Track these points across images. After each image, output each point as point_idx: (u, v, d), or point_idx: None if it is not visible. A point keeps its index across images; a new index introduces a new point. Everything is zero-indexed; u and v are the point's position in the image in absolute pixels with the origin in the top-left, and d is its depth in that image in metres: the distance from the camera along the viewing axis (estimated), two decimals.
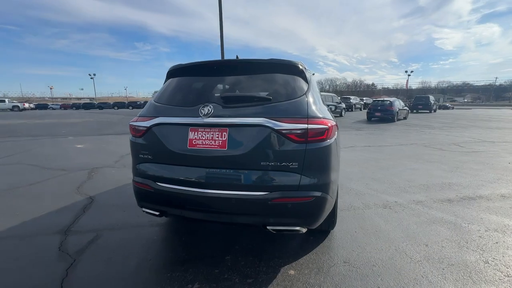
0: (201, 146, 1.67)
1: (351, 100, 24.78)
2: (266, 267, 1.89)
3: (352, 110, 24.61)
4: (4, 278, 1.79)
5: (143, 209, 1.94)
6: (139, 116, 1.94)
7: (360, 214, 2.79)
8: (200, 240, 2.29)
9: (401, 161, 5.23)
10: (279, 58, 1.89)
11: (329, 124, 1.70)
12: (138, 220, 2.65)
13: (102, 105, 50.09)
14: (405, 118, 16.49)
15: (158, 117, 1.80)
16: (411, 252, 2.08)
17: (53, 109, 50.77)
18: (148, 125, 1.80)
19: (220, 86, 1.87)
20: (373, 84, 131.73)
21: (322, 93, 16.53)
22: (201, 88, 1.89)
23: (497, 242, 2.22)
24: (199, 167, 1.69)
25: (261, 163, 1.60)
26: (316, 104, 1.79)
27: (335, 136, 1.83)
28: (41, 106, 52.27)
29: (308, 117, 1.64)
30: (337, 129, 2.19)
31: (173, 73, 2.03)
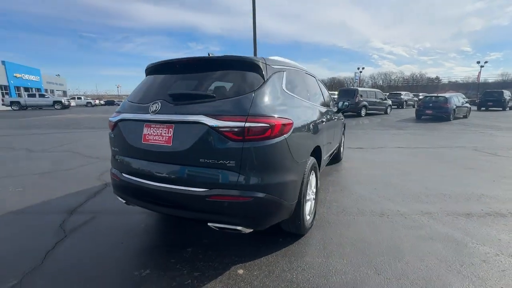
0: (152, 141, 1.76)
1: (401, 96, 22.37)
2: (218, 263, 1.91)
3: (402, 107, 22.25)
4: (2, 244, 2.19)
5: (117, 196, 2.14)
6: (115, 112, 2.13)
7: (348, 220, 2.57)
8: (179, 230, 2.41)
9: (432, 166, 4.58)
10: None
11: (274, 123, 1.61)
12: (133, 207, 2.91)
13: None
14: (465, 116, 14.22)
15: (122, 113, 1.96)
16: (383, 268, 1.84)
17: (118, 105, 57.91)
18: (115, 120, 1.98)
19: (175, 84, 1.92)
20: (437, 78, 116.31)
21: (364, 88, 15.27)
22: (158, 85, 1.97)
23: (503, 270, 1.82)
24: (150, 161, 1.78)
25: (200, 160, 1.61)
26: (268, 101, 1.71)
27: (288, 135, 1.72)
28: (109, 102, 60.12)
29: (248, 115, 1.58)
30: (311, 127, 2.06)
31: (146, 71, 2.17)
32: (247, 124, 1.55)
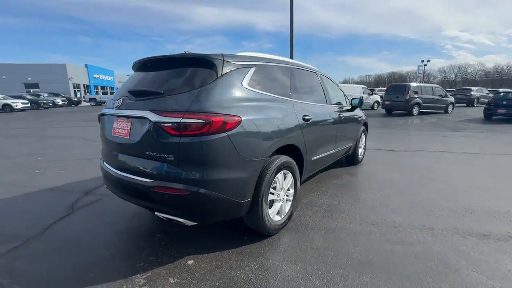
0: (117, 134, 1.94)
1: (471, 93, 18.98)
2: (176, 252, 2.01)
3: (472, 105, 18.93)
4: (19, 214, 2.68)
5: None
6: None
7: (330, 227, 2.39)
8: (161, 218, 2.61)
9: (473, 175, 3.86)
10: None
11: (212, 119, 1.61)
12: None
13: None
14: None
15: (104, 108, 2.20)
16: (335, 281, 1.68)
17: None
18: (99, 114, 2.24)
19: (139, 81, 2.05)
20: None
21: (417, 84, 13.47)
22: (128, 82, 2.14)
23: None
24: (116, 152, 1.97)
25: (147, 152, 1.72)
26: (213, 97, 1.71)
27: (232, 132, 1.69)
28: None
29: (186, 111, 1.62)
30: (277, 125, 2.00)
31: (132, 69, 2.38)
32: (183, 120, 1.59)
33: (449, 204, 2.82)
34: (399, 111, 13.94)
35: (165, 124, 1.62)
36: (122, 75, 53.99)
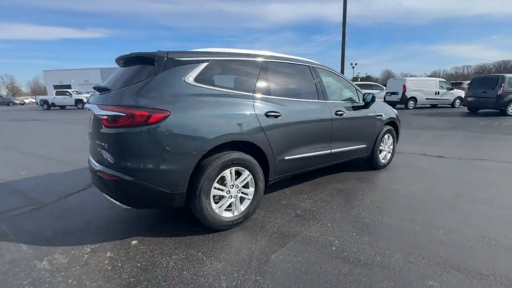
0: (90, 126, 2.28)
1: None
2: (131, 232, 2.24)
3: None
4: (43, 186, 3.40)
5: None
6: None
7: (283, 231, 2.22)
8: None
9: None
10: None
11: (134, 113, 1.73)
12: None
13: None
14: None
15: None
16: (221, 285, 1.59)
17: None
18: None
19: (109, 78, 2.29)
20: None
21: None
22: (103, 80, 2.45)
23: None
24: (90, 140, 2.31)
25: (96, 141, 1.97)
26: (142, 92, 1.83)
27: (157, 125, 1.77)
28: None
29: (118, 105, 1.78)
30: (219, 120, 2.01)
31: None
32: (113, 113, 1.76)
33: (466, 231, 2.19)
34: (487, 110, 11.16)
35: (101, 117, 1.83)
36: None
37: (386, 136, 3.86)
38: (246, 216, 2.33)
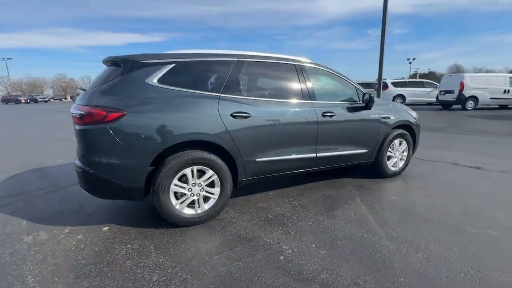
0: None
1: None
2: (107, 219, 2.48)
3: None
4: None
5: None
6: None
7: (242, 234, 2.18)
8: None
9: None
10: None
11: (92, 111, 1.91)
12: None
13: None
14: None
15: None
16: (149, 278, 1.63)
17: None
18: None
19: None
20: None
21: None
22: None
23: None
24: None
25: (75, 137, 2.23)
26: (103, 93, 2.02)
27: (114, 124, 1.92)
28: None
29: (84, 104, 1.97)
30: (178, 120, 2.10)
31: None
32: (79, 112, 1.97)
33: (461, 278, 1.83)
34: None
35: (73, 115, 2.06)
36: None
37: (396, 141, 3.44)
38: (211, 215, 2.36)
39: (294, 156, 2.69)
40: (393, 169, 3.53)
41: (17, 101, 40.20)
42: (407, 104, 15.89)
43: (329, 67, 3.11)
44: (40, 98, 43.67)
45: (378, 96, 9.99)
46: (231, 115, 2.30)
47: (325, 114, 2.79)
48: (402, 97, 15.45)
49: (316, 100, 2.81)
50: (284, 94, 2.69)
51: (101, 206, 2.77)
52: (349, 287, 1.58)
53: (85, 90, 2.33)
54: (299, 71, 2.79)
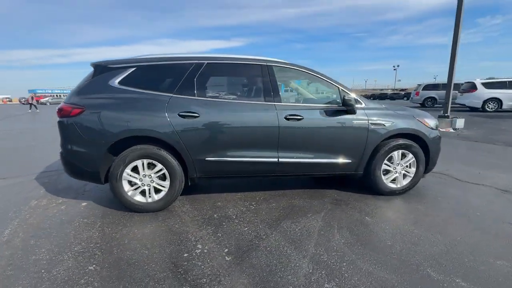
0: None
1: None
2: (93, 198, 2.98)
3: None
4: None
5: None
6: None
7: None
8: None
9: None
10: None
11: (62, 107, 2.38)
12: None
13: (395, 96, 51.32)
14: None
15: None
16: (63, 260, 1.90)
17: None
18: None
19: None
20: None
21: None
22: None
23: None
24: None
25: None
26: (74, 92, 2.44)
27: (76, 118, 2.32)
28: None
29: (63, 101, 2.45)
30: (123, 115, 2.39)
31: None
32: (58, 106, 2.47)
33: None
34: None
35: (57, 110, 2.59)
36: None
37: (396, 153, 2.87)
38: (161, 205, 2.56)
39: (250, 159, 2.62)
40: (392, 186, 2.96)
41: None
42: (505, 111, 12.48)
43: (308, 68, 2.86)
44: None
45: (447, 100, 8.24)
46: (179, 115, 2.44)
47: (290, 117, 2.60)
48: (498, 101, 12.23)
49: (280, 102, 2.65)
50: (242, 95, 2.66)
51: (99, 187, 3.33)
52: None
53: None
54: (265, 72, 2.68)
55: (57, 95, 65.07)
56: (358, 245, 2.02)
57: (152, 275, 1.68)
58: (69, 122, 2.40)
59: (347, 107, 2.68)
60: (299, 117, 2.62)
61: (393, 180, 2.97)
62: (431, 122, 3.00)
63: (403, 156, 2.92)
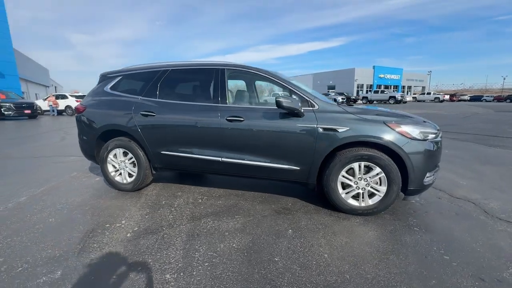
0: None
1: None
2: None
3: None
4: None
5: None
6: None
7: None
8: None
9: None
10: None
11: (78, 107, 3.26)
12: None
13: None
14: None
15: None
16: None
17: (486, 101, 47.63)
18: None
19: None
20: None
21: None
22: None
23: None
24: None
25: None
26: (87, 96, 3.29)
27: (83, 113, 3.18)
28: (475, 98, 51.48)
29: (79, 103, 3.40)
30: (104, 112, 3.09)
31: None
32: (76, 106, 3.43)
33: None
34: None
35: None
36: (420, 71, 51.17)
37: (356, 165, 2.41)
38: (131, 188, 3.14)
39: (197, 156, 2.83)
40: (353, 203, 2.49)
41: None
42: None
43: (261, 69, 2.80)
44: None
45: None
46: (141, 114, 2.94)
47: (231, 118, 2.65)
48: None
49: (226, 104, 2.73)
50: (192, 97, 2.88)
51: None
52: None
53: None
54: (217, 75, 2.82)
55: None
56: (237, 252, 1.94)
57: (76, 229, 2.23)
58: (79, 118, 3.32)
59: (282, 109, 2.48)
60: (239, 119, 2.64)
61: (357, 197, 2.50)
62: (413, 130, 2.34)
63: (369, 169, 2.42)
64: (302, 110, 2.48)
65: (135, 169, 3.11)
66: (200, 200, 2.94)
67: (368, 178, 2.44)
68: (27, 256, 1.91)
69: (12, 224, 2.39)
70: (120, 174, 3.21)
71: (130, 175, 3.17)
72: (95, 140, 3.22)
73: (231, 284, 1.63)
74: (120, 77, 3.26)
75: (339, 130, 2.41)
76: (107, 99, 3.20)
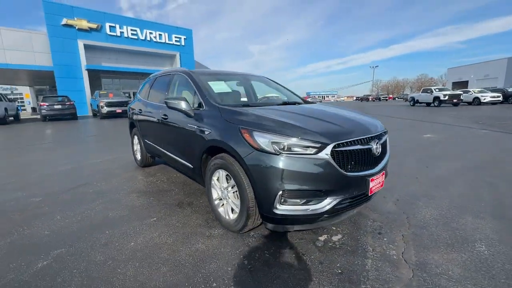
0: None
1: None
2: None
3: None
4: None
5: None
6: None
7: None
8: None
9: None
10: None
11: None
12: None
13: None
14: None
15: None
16: None
17: None
18: None
19: None
20: None
21: None
22: None
23: None
24: None
25: None
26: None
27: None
28: None
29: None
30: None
31: None
32: None
33: None
34: None
35: None
36: None
37: (219, 172, 2.14)
38: (139, 164, 4.30)
39: (160, 147, 3.37)
40: (226, 217, 2.19)
41: (367, 100, 53.52)
42: None
43: (186, 71, 3.01)
44: (382, 97, 53.36)
45: None
46: (137, 110, 3.95)
47: (162, 115, 3.06)
48: None
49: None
50: (161, 97, 3.45)
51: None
52: None
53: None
54: (170, 78, 3.31)
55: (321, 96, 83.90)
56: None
57: (62, 189, 3.60)
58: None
59: (171, 108, 2.65)
60: (166, 117, 2.99)
61: (223, 208, 2.22)
62: (261, 139, 1.75)
63: (227, 179, 2.09)
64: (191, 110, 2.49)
65: (139, 153, 4.24)
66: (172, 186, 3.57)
67: (229, 189, 2.09)
68: None
69: None
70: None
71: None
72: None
73: None
74: (148, 80, 4.45)
75: (206, 132, 2.24)
76: (137, 97, 4.58)
